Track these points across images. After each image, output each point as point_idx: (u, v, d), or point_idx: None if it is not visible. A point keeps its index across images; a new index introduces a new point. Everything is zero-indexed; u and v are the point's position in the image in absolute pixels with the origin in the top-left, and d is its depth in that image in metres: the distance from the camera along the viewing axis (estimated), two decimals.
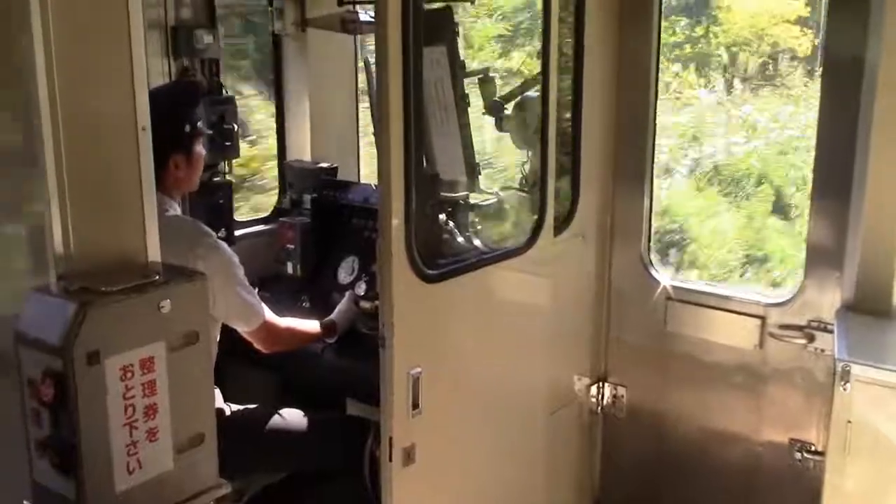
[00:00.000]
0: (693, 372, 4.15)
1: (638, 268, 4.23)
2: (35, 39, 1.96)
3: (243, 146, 4.75)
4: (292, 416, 3.69)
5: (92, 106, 2.08)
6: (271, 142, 5.21)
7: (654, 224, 4.34)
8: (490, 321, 3.49)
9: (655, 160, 4.23)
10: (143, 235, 2.19)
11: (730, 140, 10.38)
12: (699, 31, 10.76)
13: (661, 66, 4.14)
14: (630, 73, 4.09)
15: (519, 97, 3.91)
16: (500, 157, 4.77)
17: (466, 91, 3.82)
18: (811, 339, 3.78)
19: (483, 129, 4.11)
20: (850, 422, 3.05)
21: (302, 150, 4.83)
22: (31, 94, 1.99)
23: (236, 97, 4.53)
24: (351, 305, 3.84)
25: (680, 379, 4.20)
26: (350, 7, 4.42)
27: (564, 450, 4.27)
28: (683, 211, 9.49)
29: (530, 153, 3.84)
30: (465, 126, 3.78)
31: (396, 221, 2.87)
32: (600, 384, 4.42)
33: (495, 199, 3.99)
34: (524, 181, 3.89)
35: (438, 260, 3.30)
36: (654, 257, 4.27)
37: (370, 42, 4.64)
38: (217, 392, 3.44)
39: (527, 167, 3.87)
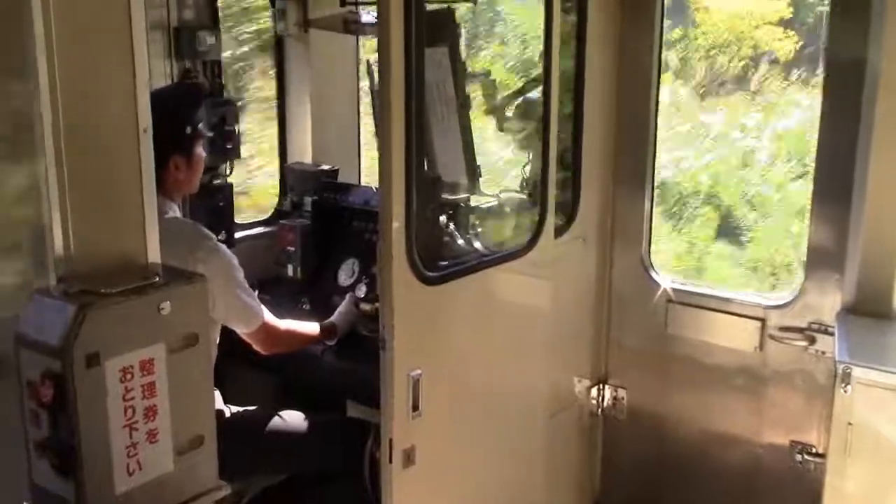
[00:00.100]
0: (693, 374, 4.15)
1: (638, 270, 4.23)
2: (37, 40, 1.96)
3: None
4: (292, 418, 3.69)
5: (93, 107, 2.09)
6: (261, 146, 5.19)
7: None
8: (490, 323, 3.49)
9: (657, 162, 4.24)
10: (144, 237, 2.20)
11: (682, 153, 9.73)
12: (675, 34, 10.52)
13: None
14: (631, 76, 4.10)
15: (520, 99, 3.91)
16: (502, 158, 4.77)
17: (468, 92, 3.82)
18: (812, 341, 3.79)
19: (484, 130, 4.11)
20: (850, 424, 3.05)
21: (303, 152, 4.83)
22: (32, 96, 1.99)
23: None
24: (351, 307, 3.84)
25: (680, 381, 4.20)
26: (352, 8, 4.42)
27: (564, 452, 4.27)
28: None
29: (531, 155, 3.84)
30: (466, 128, 3.78)
31: (397, 224, 2.87)
32: (601, 386, 4.42)
33: (496, 202, 3.99)
34: (525, 183, 3.89)
35: (439, 262, 3.30)
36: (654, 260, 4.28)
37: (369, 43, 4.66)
38: (217, 394, 3.44)
39: (527, 169, 3.87)
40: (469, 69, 3.90)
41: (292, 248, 4.37)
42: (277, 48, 4.73)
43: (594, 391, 4.40)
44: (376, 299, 3.18)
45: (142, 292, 2.05)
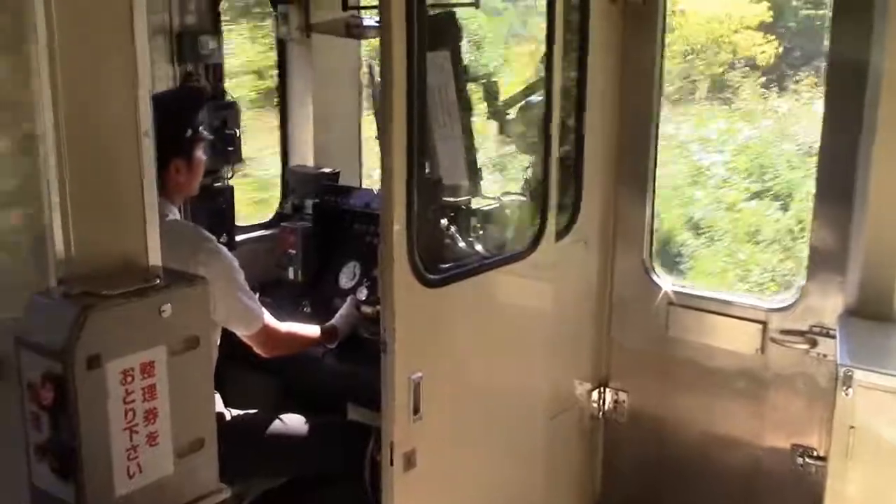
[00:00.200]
0: (694, 377, 4.14)
1: (640, 273, 4.23)
2: (39, 43, 1.96)
3: None
4: (293, 421, 3.69)
5: (94, 110, 2.09)
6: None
7: None
8: (491, 326, 3.49)
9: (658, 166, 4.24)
10: (144, 239, 2.20)
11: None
12: None
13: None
14: (633, 79, 4.10)
15: (522, 102, 3.91)
16: (503, 161, 4.77)
17: (469, 95, 3.83)
18: (813, 344, 3.78)
19: (486, 133, 4.11)
20: (852, 427, 3.05)
21: (305, 155, 4.83)
22: (33, 98, 1.99)
23: None
24: (352, 310, 3.84)
25: (681, 384, 4.20)
26: (354, 12, 4.42)
27: (565, 454, 4.26)
28: None
29: (533, 158, 3.84)
30: (467, 131, 3.78)
31: (398, 226, 2.87)
32: (602, 389, 4.42)
33: (497, 204, 3.98)
34: (526, 186, 3.89)
35: (440, 265, 3.30)
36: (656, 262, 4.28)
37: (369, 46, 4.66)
38: (217, 397, 3.44)
39: (529, 172, 3.87)
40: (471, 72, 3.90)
41: (293, 251, 4.37)
42: (280, 52, 4.73)
43: (595, 394, 4.40)
44: (377, 302, 3.18)
45: (143, 294, 2.04)
